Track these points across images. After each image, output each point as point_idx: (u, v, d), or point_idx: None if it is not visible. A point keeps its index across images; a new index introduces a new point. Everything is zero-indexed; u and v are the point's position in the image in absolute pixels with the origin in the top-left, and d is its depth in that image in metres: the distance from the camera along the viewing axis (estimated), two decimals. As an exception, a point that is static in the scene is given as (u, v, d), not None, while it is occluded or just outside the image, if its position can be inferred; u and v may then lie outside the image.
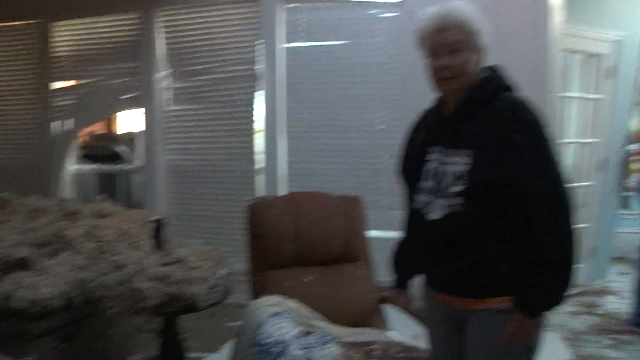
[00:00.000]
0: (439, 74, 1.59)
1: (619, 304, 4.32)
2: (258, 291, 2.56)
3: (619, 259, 5.65)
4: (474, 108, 1.57)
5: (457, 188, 1.55)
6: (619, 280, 4.93)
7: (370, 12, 3.81)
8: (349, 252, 2.68)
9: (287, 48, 3.82)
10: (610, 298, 4.53)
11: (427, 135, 1.69)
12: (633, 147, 4.63)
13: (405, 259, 1.86)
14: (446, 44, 1.56)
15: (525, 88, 3.40)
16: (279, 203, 2.69)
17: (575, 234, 1.54)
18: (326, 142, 3.72)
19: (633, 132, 4.62)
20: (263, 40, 3.85)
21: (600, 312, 4.17)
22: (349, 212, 2.72)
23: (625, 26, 4.33)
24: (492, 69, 1.64)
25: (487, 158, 1.51)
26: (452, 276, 1.61)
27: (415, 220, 1.70)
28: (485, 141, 1.53)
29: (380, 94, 3.66)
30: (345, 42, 3.79)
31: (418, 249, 1.72)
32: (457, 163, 1.56)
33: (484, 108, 1.56)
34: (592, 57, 4.26)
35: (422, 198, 1.65)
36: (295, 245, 2.60)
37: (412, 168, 1.71)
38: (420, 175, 1.66)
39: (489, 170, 1.51)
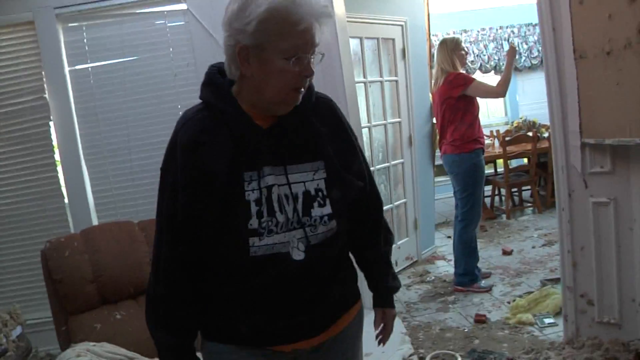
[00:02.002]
0: (300, 82, 1.25)
1: (448, 267, 4.63)
2: (65, 340, 2.31)
3: (444, 224, 6.12)
4: (305, 114, 1.33)
5: (325, 210, 1.31)
6: (446, 244, 5.31)
7: (156, 22, 3.63)
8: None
9: (72, 71, 3.51)
10: (440, 263, 4.85)
11: (236, 158, 1.25)
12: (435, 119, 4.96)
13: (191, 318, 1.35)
14: (314, 44, 1.22)
15: (322, 78, 3.53)
16: (71, 243, 2.45)
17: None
18: (130, 164, 3.48)
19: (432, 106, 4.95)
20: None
21: (431, 278, 4.43)
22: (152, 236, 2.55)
23: (408, 10, 4.62)
24: None
25: (337, 166, 1.34)
26: (324, 315, 1.37)
27: (252, 271, 1.27)
28: (328, 148, 1.34)
29: (179, 105, 3.51)
30: (135, 57, 3.57)
31: (260, 302, 1.31)
32: (308, 180, 1.31)
33: (311, 112, 1.34)
34: (385, 40, 4.48)
35: (272, 239, 1.25)
36: (98, 284, 2.39)
37: (216, 207, 1.24)
38: (242, 212, 1.24)
39: (347, 178, 1.37)
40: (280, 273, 1.27)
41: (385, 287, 1.55)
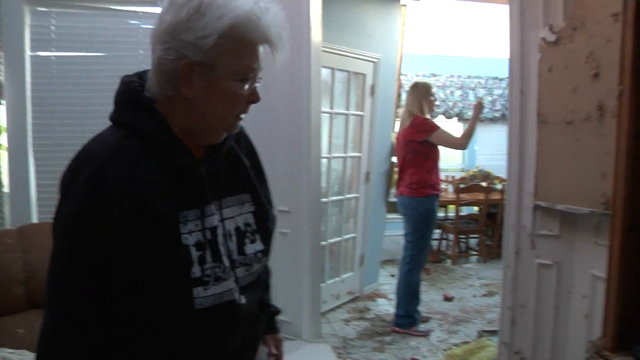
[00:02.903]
0: (246, 109, 1.12)
1: (388, 306, 4.64)
2: (-15, 343, 2.18)
3: (389, 261, 6.15)
4: (231, 144, 1.22)
5: (257, 246, 1.21)
6: (389, 282, 5.32)
7: (130, 22, 3.56)
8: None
9: (34, 56, 3.39)
10: (381, 301, 4.86)
11: (173, 196, 1.07)
12: (394, 159, 5.02)
13: None
14: (260, 68, 1.10)
15: (288, 104, 3.53)
16: (4, 238, 2.33)
17: None
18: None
19: (394, 145, 5.01)
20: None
21: (371, 315, 4.42)
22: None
23: (382, 49, 4.68)
24: None
25: (263, 198, 1.26)
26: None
27: (196, 326, 1.10)
28: (253, 179, 1.25)
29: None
30: (103, 54, 3.48)
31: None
32: (236, 215, 1.19)
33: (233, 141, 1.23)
34: (357, 75, 4.52)
35: (221, 287, 1.10)
36: (27, 286, 2.27)
37: (160, 258, 1.03)
38: (181, 260, 1.06)
39: (270, 210, 1.28)
40: (228, 323, 1.15)
41: (274, 312, 1.48)
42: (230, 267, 1.13)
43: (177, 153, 1.08)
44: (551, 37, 2.61)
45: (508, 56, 2.90)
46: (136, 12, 3.56)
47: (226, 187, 1.18)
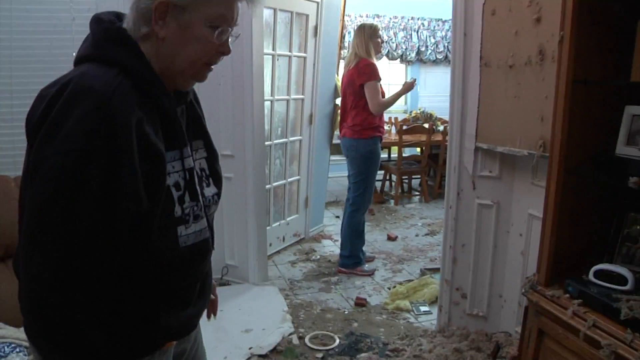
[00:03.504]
0: (215, 58, 1.13)
1: (334, 247, 4.73)
2: None
3: (334, 203, 6.23)
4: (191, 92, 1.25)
5: (212, 190, 1.27)
6: (334, 223, 5.41)
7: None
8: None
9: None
10: (326, 242, 4.94)
11: (162, 136, 1.09)
12: (338, 100, 4.99)
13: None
14: (236, 21, 1.12)
15: (230, 44, 3.41)
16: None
17: None
18: (10, 109, 3.14)
19: (337, 88, 4.97)
20: None
21: (317, 257, 4.50)
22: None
23: (326, -13, 4.56)
24: None
25: (212, 142, 1.31)
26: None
27: (182, 262, 1.15)
28: (204, 124, 1.29)
29: (74, 53, 3.24)
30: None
31: (184, 293, 1.21)
32: (196, 159, 1.23)
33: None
34: (299, 16, 4.40)
35: (199, 225, 1.17)
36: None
37: (155, 194, 1.05)
38: (166, 199, 1.09)
39: (217, 154, 1.32)
40: (204, 260, 1.22)
41: None
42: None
43: (162, 94, 1.08)
44: (495, -21, 2.61)
45: (452, -2, 2.89)
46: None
47: (188, 133, 1.19)
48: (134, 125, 0.99)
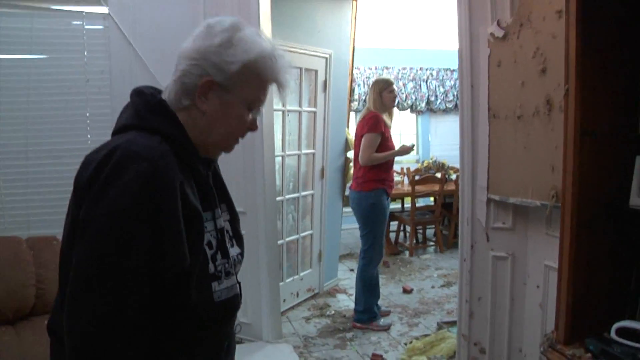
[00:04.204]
0: (245, 133, 1.26)
1: (349, 301, 4.64)
2: None
3: (348, 255, 6.17)
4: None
5: (236, 250, 1.35)
6: (349, 277, 5.34)
7: (73, 22, 3.43)
8: (44, 302, 2.32)
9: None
10: (341, 296, 4.86)
11: (203, 198, 1.20)
12: (350, 154, 5.02)
13: None
14: (264, 104, 1.27)
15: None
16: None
17: None
18: (25, 169, 3.23)
19: (348, 141, 5.01)
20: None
21: (331, 312, 4.42)
22: (42, 256, 2.36)
23: (334, 44, 4.66)
24: None
25: (234, 206, 1.41)
26: None
27: (215, 318, 1.22)
28: (226, 188, 1.39)
29: (88, 113, 3.32)
30: (44, 56, 3.34)
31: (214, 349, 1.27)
32: (224, 220, 1.33)
33: None
34: (309, 71, 4.48)
35: (230, 281, 1.25)
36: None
37: (194, 252, 1.13)
38: (203, 257, 1.17)
39: (238, 216, 1.42)
40: (234, 314, 1.30)
41: None
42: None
43: (197, 161, 1.19)
44: (499, 32, 2.64)
45: (457, 51, 2.92)
46: (80, 12, 3.43)
47: (218, 195, 1.30)
48: (180, 188, 1.08)
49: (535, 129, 2.48)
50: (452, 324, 3.83)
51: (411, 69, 7.75)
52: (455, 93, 7.79)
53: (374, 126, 3.91)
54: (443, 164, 7.02)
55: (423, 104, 7.83)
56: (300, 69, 4.34)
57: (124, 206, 1.00)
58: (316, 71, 4.53)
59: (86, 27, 3.47)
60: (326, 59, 4.59)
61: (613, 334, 1.61)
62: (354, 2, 4.75)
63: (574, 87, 1.59)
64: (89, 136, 3.35)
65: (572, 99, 1.60)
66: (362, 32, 5.10)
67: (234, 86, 1.17)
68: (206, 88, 1.16)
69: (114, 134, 1.17)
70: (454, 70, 7.78)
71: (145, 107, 1.17)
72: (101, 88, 3.33)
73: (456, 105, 7.83)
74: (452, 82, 7.85)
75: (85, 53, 3.42)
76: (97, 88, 3.34)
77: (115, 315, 1.00)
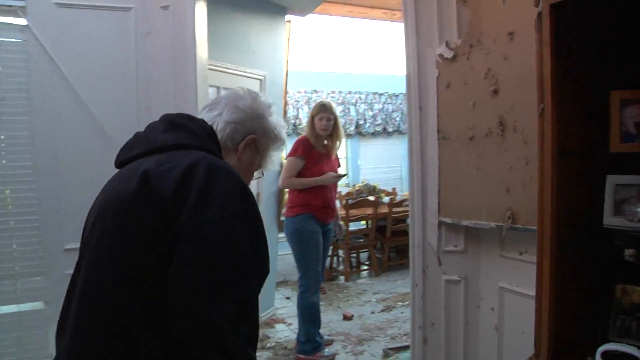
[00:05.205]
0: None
1: (288, 332, 4.47)
2: None
3: (282, 283, 6.00)
4: None
5: None
6: (285, 305, 5.16)
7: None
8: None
9: None
10: (279, 327, 4.67)
11: None
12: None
13: None
14: None
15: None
16: None
17: None
18: None
19: (283, 165, 4.88)
20: None
21: (272, 344, 4.23)
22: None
23: (269, 65, 4.55)
24: None
25: None
26: None
27: None
28: None
29: (3, 135, 3.00)
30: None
31: None
32: None
33: None
34: (242, 94, 4.33)
35: None
36: None
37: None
38: None
39: None
40: None
41: None
42: None
43: None
44: (448, 54, 2.63)
45: (405, 72, 2.88)
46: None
47: None
48: None
49: (489, 150, 2.47)
50: (398, 349, 3.76)
51: (340, 92, 7.77)
52: (384, 117, 7.89)
53: (294, 149, 3.86)
54: (374, 187, 7.04)
55: (352, 128, 7.85)
56: (236, 91, 4.18)
57: (234, 212, 1.10)
58: (251, 93, 4.39)
59: (0, 39, 3.15)
60: (261, 80, 4.47)
61: (598, 358, 1.56)
62: (288, 23, 4.68)
63: (550, 107, 1.56)
64: (4, 161, 3.02)
65: (549, 118, 1.56)
66: (292, 54, 5.03)
67: (264, 147, 1.45)
68: (248, 142, 1.40)
69: (162, 150, 1.21)
70: (381, 93, 7.89)
71: (203, 131, 1.29)
72: (18, 107, 3.01)
73: (385, 129, 7.93)
74: (381, 106, 7.95)
75: (0, 68, 3.10)
76: (12, 108, 3.02)
77: (253, 301, 1.10)
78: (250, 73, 4.31)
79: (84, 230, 1.24)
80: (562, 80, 1.58)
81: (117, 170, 1.28)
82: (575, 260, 1.68)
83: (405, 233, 6.44)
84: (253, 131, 1.40)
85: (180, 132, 1.26)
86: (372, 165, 8.00)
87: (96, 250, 1.11)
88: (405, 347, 3.84)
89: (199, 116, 1.37)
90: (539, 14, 1.56)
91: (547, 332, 1.61)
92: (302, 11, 4.80)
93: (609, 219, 1.66)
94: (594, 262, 1.72)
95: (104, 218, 1.13)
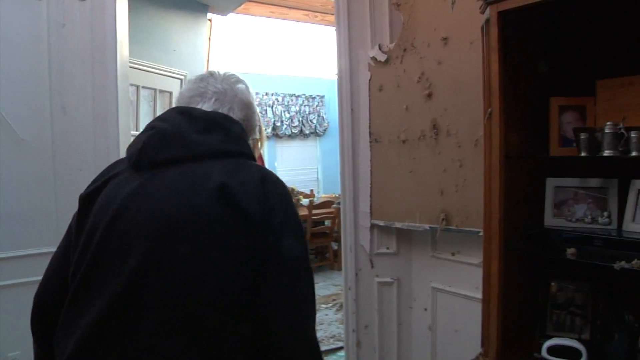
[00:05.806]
0: None
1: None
2: None
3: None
4: None
5: None
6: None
7: None
8: None
9: None
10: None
11: None
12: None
13: None
14: None
15: (93, 127, 3.04)
16: None
17: None
18: None
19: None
20: None
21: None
22: None
23: (189, 65, 4.40)
24: None
25: None
26: None
27: None
28: None
29: None
30: None
31: None
32: None
33: None
34: (162, 93, 4.16)
35: None
36: None
37: None
38: None
39: None
40: None
41: None
42: None
43: None
44: (381, 57, 2.64)
45: (336, 74, 2.87)
46: None
47: None
48: None
49: (422, 153, 2.50)
50: (327, 352, 3.74)
51: (257, 93, 7.67)
52: (301, 119, 7.88)
53: None
54: (292, 189, 7.00)
55: (269, 130, 7.79)
56: (155, 90, 4.01)
57: (303, 229, 1.16)
58: (171, 93, 4.22)
59: None
60: (181, 80, 4.31)
61: (545, 354, 1.61)
62: (209, 21, 4.55)
63: (498, 111, 1.58)
64: None
65: (497, 122, 1.59)
66: (212, 54, 4.90)
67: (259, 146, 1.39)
68: (256, 144, 1.35)
69: (210, 155, 1.12)
70: (299, 95, 7.88)
71: (244, 134, 1.24)
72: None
73: (301, 131, 7.92)
74: (297, 108, 7.93)
75: None
76: None
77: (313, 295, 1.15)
78: (170, 72, 4.15)
79: (98, 242, 1.06)
80: (507, 85, 1.61)
81: (116, 169, 1.25)
82: (519, 261, 1.73)
83: (324, 235, 6.47)
84: (254, 125, 1.31)
85: (227, 136, 1.17)
86: (289, 167, 7.96)
87: (170, 274, 1.00)
88: (334, 350, 3.84)
89: (198, 106, 1.22)
90: (487, 21, 1.58)
91: (495, 331, 1.64)
92: (224, 10, 4.69)
93: (550, 220, 1.72)
94: (536, 262, 1.78)
95: (172, 238, 1.02)
